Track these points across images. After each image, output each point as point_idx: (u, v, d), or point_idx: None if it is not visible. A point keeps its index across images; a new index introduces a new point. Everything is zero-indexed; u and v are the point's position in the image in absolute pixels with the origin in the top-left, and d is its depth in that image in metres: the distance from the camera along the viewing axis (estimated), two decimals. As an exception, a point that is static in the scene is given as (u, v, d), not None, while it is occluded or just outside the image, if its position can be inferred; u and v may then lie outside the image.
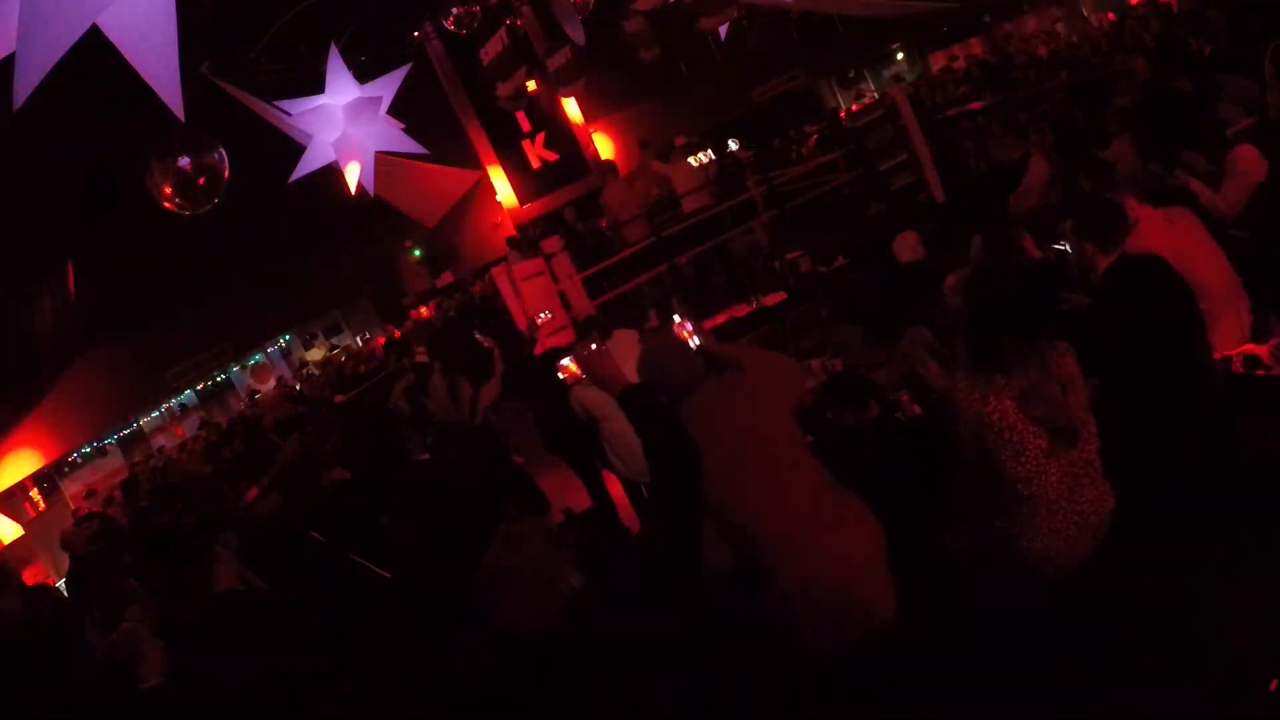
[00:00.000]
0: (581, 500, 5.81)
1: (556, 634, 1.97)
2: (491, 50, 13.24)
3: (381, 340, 15.36)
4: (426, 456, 5.10)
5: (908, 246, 5.88)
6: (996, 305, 2.69)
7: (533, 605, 1.99)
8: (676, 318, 3.95)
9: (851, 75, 21.59)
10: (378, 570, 5.09)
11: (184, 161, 7.35)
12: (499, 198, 16.43)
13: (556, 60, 13.85)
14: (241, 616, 3.54)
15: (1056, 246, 4.85)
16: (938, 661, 2.64)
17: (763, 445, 2.61)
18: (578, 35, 12.70)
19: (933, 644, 2.71)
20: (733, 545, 2.62)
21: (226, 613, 3.55)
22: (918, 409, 4.27)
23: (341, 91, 10.89)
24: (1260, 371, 3.33)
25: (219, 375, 18.65)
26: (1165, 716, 2.22)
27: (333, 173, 11.84)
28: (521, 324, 10.26)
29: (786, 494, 2.57)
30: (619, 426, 4.54)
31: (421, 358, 6.84)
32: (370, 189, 11.49)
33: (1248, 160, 4.50)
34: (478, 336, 6.24)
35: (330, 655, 3.99)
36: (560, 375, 5.03)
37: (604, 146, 17.75)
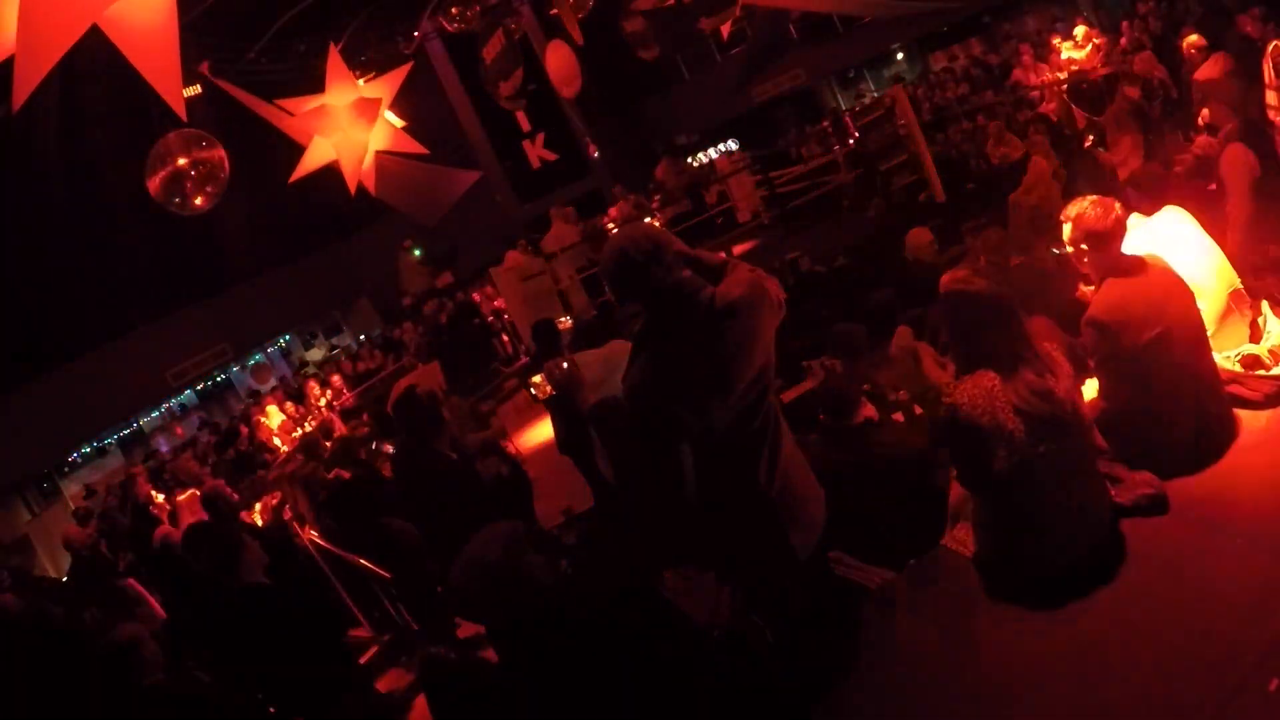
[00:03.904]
0: (582, 501, 5.81)
1: (528, 624, 2.05)
2: (491, 50, 13.24)
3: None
4: (455, 456, 5.11)
5: (921, 244, 5.87)
6: (978, 308, 2.69)
7: (504, 599, 2.07)
8: None
9: (851, 75, 21.57)
10: (378, 570, 5.09)
11: (184, 161, 7.36)
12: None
13: (556, 60, 13.86)
14: (263, 612, 3.54)
15: (1055, 250, 4.86)
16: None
17: (749, 358, 2.49)
18: (576, 35, 12.71)
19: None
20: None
21: (250, 607, 3.55)
22: (918, 409, 4.28)
23: (342, 91, 10.88)
24: (1260, 371, 3.34)
25: (219, 375, 18.63)
26: (1164, 717, 2.22)
27: (332, 173, 11.84)
28: (522, 326, 10.29)
29: (758, 406, 2.52)
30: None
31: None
32: (370, 189, 11.49)
33: (1239, 160, 4.52)
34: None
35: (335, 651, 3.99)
36: (532, 390, 5.06)
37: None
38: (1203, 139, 6.24)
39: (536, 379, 5.35)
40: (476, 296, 14.18)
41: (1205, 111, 5.75)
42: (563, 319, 9.36)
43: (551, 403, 5.76)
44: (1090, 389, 3.30)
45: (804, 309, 7.82)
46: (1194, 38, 7.94)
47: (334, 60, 10.81)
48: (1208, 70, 7.08)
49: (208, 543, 3.79)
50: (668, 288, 2.45)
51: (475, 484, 4.75)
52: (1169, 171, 5.82)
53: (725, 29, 14.75)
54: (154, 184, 7.35)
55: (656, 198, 12.92)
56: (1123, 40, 10.83)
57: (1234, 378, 3.27)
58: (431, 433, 4.73)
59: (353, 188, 11.26)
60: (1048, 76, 11.65)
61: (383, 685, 5.13)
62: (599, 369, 4.32)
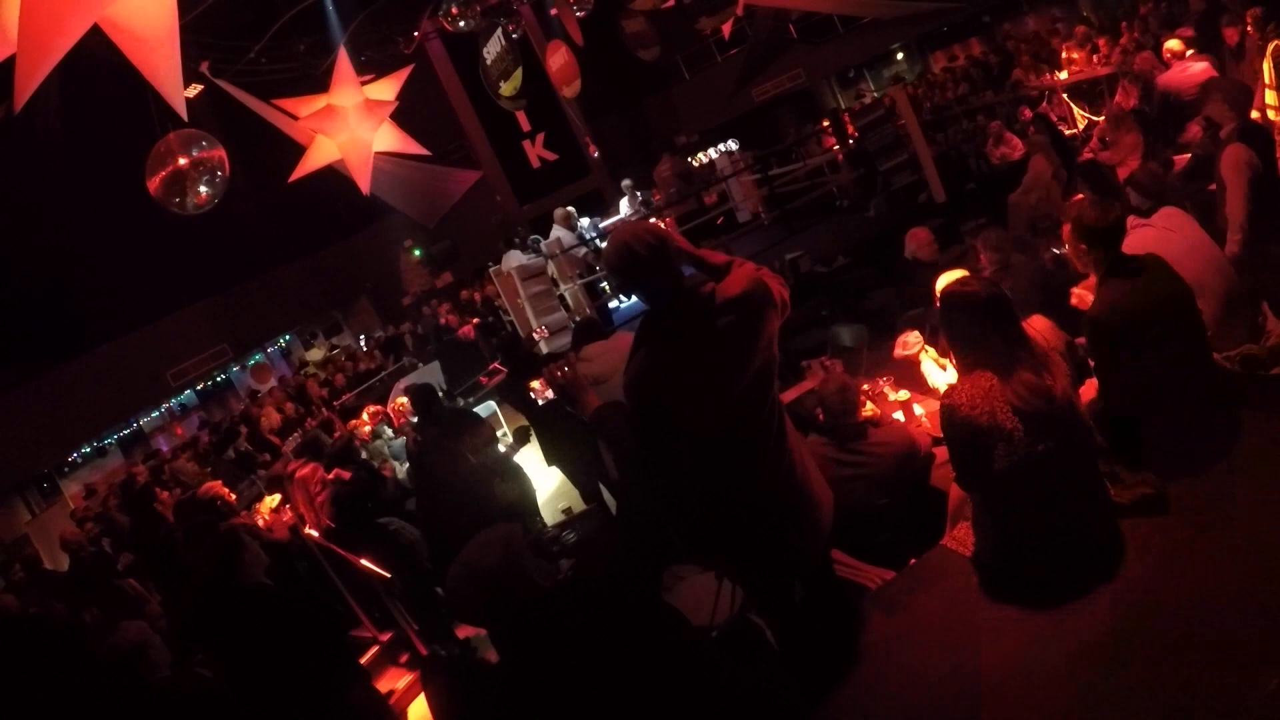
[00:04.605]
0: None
1: (527, 627, 2.05)
2: (492, 50, 13.26)
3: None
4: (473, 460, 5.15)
5: (921, 243, 5.85)
6: (976, 309, 2.69)
7: (503, 604, 2.06)
8: None
9: (851, 75, 21.58)
10: (378, 570, 5.09)
11: (184, 161, 7.37)
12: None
13: (556, 60, 13.88)
14: (263, 612, 3.55)
15: (1055, 250, 4.86)
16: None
17: (749, 355, 2.48)
18: (576, 35, 12.72)
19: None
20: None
21: (250, 607, 3.56)
22: (917, 409, 4.28)
23: (347, 92, 10.89)
24: (1260, 371, 3.34)
25: (219, 375, 18.63)
26: (1165, 716, 2.22)
27: (332, 173, 11.84)
28: (521, 326, 10.29)
29: (760, 405, 2.51)
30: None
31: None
32: (371, 189, 11.50)
33: (1240, 160, 4.51)
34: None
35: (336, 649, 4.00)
36: (532, 395, 5.07)
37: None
38: (1194, 129, 6.28)
39: (535, 384, 5.38)
40: (478, 295, 14.18)
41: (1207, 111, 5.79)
42: (539, 328, 9.45)
43: (537, 417, 5.79)
44: (1090, 389, 3.31)
45: (804, 309, 7.84)
46: (1173, 43, 7.94)
47: (342, 61, 10.81)
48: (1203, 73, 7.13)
49: (208, 544, 3.80)
50: (670, 282, 2.46)
51: (489, 493, 4.76)
52: (1168, 171, 5.83)
53: (726, 29, 14.79)
54: (154, 184, 7.35)
55: (658, 194, 12.96)
56: (1123, 39, 10.83)
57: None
58: (458, 435, 4.76)
59: (364, 188, 11.28)
60: (1048, 78, 11.65)
61: (383, 685, 5.13)
62: (611, 359, 4.30)
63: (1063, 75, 11.02)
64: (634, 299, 3.67)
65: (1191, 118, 6.89)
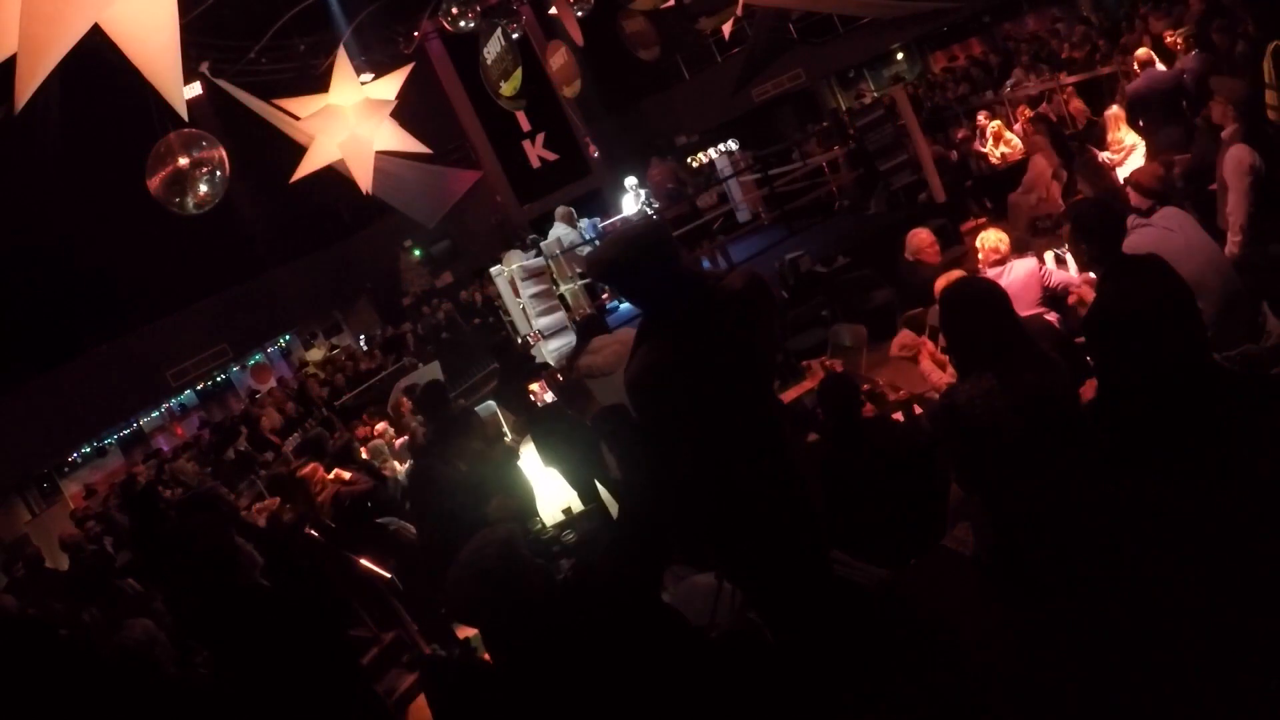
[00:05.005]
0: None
1: (525, 629, 2.04)
2: (492, 50, 13.25)
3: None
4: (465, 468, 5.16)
5: (921, 244, 5.86)
6: (975, 310, 2.70)
7: (501, 605, 2.06)
8: None
9: (851, 75, 21.57)
10: (378, 570, 5.09)
11: (184, 161, 7.36)
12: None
13: (556, 60, 13.89)
14: (258, 614, 3.54)
15: (1055, 250, 4.87)
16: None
17: (748, 352, 2.50)
18: (577, 35, 12.73)
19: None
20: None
21: (246, 609, 3.55)
22: (918, 409, 4.29)
23: (347, 92, 10.86)
24: (1260, 371, 3.34)
25: (219, 375, 18.62)
26: (1164, 716, 2.22)
27: (332, 173, 11.83)
28: (520, 326, 10.29)
29: (759, 404, 2.53)
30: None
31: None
32: (371, 189, 11.48)
33: (1243, 161, 4.52)
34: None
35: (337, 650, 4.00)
36: (531, 398, 5.08)
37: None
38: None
39: (534, 386, 5.38)
40: (478, 295, 14.20)
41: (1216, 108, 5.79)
42: (533, 332, 9.48)
43: (535, 418, 5.78)
44: (1090, 389, 3.31)
45: (804, 309, 7.84)
46: (1141, 51, 7.95)
47: (342, 60, 10.79)
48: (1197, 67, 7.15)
49: (207, 544, 3.79)
50: (669, 280, 2.47)
51: (491, 495, 4.76)
52: (1169, 171, 5.83)
53: (726, 29, 14.79)
54: (154, 184, 7.35)
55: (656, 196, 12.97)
56: (1123, 39, 10.84)
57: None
58: (466, 434, 4.76)
59: (364, 188, 11.25)
60: (1048, 78, 11.65)
61: (383, 685, 5.14)
62: (618, 351, 4.29)
63: (1063, 75, 11.02)
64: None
65: (1159, 124, 6.92)
